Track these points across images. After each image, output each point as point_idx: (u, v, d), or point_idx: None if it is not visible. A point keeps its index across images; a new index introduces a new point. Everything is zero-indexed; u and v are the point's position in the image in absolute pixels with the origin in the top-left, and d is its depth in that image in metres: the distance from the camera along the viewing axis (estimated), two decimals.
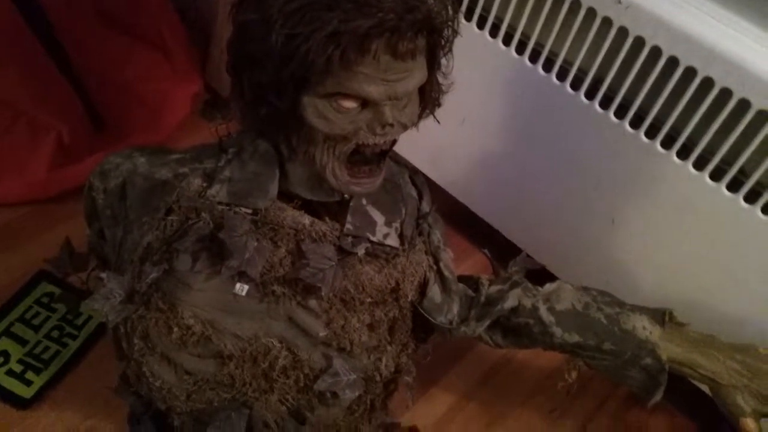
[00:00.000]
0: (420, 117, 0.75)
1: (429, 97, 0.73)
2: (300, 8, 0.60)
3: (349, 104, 0.66)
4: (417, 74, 0.67)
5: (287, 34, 0.61)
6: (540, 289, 0.93)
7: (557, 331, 0.90)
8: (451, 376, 1.18)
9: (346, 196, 0.78)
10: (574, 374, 0.94)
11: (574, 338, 0.90)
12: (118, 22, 1.56)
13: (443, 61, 0.72)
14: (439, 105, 0.77)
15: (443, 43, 0.68)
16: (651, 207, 1.07)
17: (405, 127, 0.71)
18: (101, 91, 1.41)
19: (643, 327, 0.88)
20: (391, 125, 0.67)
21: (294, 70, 0.63)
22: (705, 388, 0.89)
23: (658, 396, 0.88)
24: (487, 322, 0.91)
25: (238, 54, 0.69)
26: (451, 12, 0.67)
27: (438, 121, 0.78)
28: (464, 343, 1.18)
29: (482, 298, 0.91)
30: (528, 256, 0.98)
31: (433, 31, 0.65)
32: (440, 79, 0.74)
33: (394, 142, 0.72)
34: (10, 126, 1.30)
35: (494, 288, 0.93)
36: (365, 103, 0.66)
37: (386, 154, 0.73)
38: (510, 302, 0.90)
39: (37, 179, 1.24)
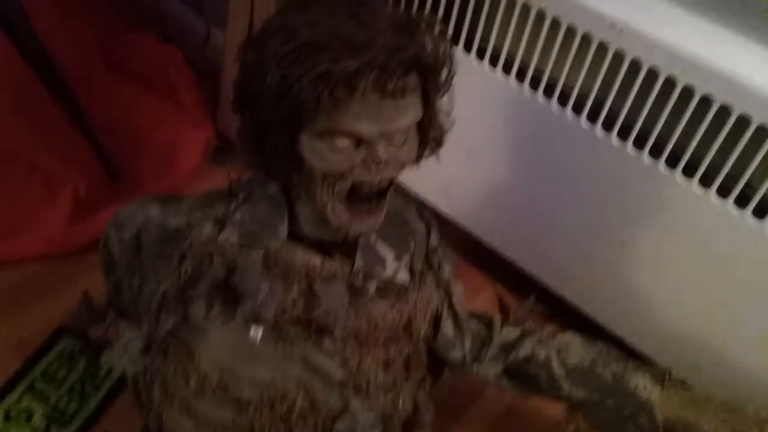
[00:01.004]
0: (421, 155, 0.76)
1: (429, 136, 0.74)
2: (294, 49, 0.63)
3: (343, 142, 0.66)
4: (410, 112, 0.67)
5: (282, 74, 0.63)
6: (552, 339, 0.93)
7: (565, 385, 0.90)
8: (464, 421, 1.18)
9: (350, 234, 0.78)
10: (571, 428, 0.94)
11: (580, 393, 0.90)
12: (128, 72, 1.60)
13: (442, 99, 0.73)
14: (440, 144, 0.78)
15: (438, 81, 0.69)
16: (660, 227, 1.06)
17: (403, 165, 0.71)
18: (114, 141, 1.44)
19: (644, 387, 0.88)
20: (386, 163, 0.68)
21: (288, 109, 0.65)
22: None
23: None
24: (500, 367, 0.92)
25: (240, 94, 0.71)
26: (444, 51, 0.68)
27: (438, 159, 0.78)
28: (477, 387, 1.17)
29: (495, 339, 0.92)
30: (539, 292, 0.98)
31: (425, 70, 0.66)
32: (441, 118, 0.75)
33: (392, 180, 0.72)
34: (26, 181, 1.32)
35: (508, 330, 0.93)
36: (359, 141, 0.67)
37: (386, 192, 0.73)
38: (524, 351, 0.91)
39: (54, 234, 1.26)
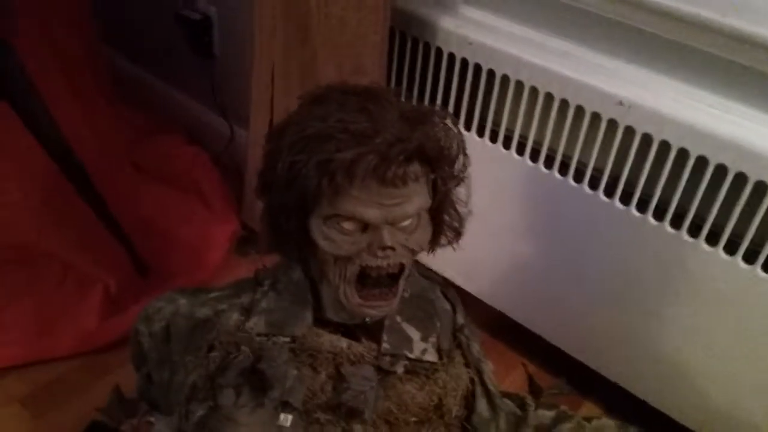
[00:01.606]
0: (436, 243, 0.78)
1: (443, 224, 0.76)
2: (302, 139, 0.68)
3: (349, 226, 0.70)
4: (415, 200, 0.70)
5: (290, 161, 0.69)
6: (587, 425, 0.93)
7: None
8: None
9: (367, 319, 0.78)
10: None
11: None
12: (155, 172, 1.66)
13: (457, 189, 0.76)
14: (460, 234, 0.80)
15: (447, 171, 0.71)
16: (687, 295, 1.05)
17: (413, 252, 0.73)
18: (143, 239, 1.48)
19: None
20: (392, 248, 0.70)
21: (296, 194, 0.70)
22: None
23: None
24: None
25: (260, 180, 0.76)
26: (452, 142, 0.71)
27: (454, 249, 0.81)
28: None
29: (530, 420, 0.91)
30: (571, 366, 0.97)
31: (430, 160, 0.69)
32: (457, 207, 0.78)
33: (402, 266, 0.73)
34: (61, 281, 1.36)
35: (542, 413, 0.93)
36: (366, 226, 0.70)
37: (398, 277, 0.74)
38: None
39: (87, 331, 1.28)
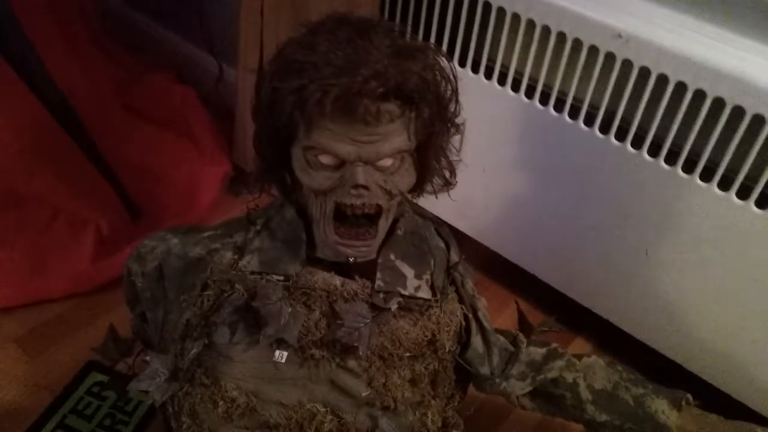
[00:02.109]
0: (421, 189, 0.77)
1: (429, 171, 0.74)
2: (285, 66, 0.67)
3: (326, 160, 0.69)
4: (393, 140, 0.68)
5: (271, 87, 0.69)
6: (578, 363, 0.94)
7: (589, 408, 0.91)
8: None
9: (351, 259, 0.77)
10: None
11: (603, 417, 0.91)
12: (144, 113, 1.64)
13: (445, 138, 0.74)
14: (450, 183, 0.79)
15: (431, 114, 0.69)
16: (682, 233, 1.06)
17: (392, 195, 0.72)
18: (134, 180, 1.47)
19: (662, 411, 0.89)
20: (365, 188, 0.69)
21: (275, 122, 0.70)
22: None
23: None
24: (529, 388, 0.92)
25: (252, 110, 0.76)
26: (438, 85, 0.69)
27: (436, 196, 0.80)
28: (505, 405, 1.16)
29: (522, 356, 0.92)
30: (565, 304, 0.98)
31: (410, 100, 0.67)
32: (446, 155, 0.76)
33: (380, 207, 0.72)
34: (50, 223, 1.36)
35: (534, 350, 0.94)
36: (343, 162, 0.69)
37: (375, 218, 0.73)
38: (553, 373, 0.92)
39: (80, 272, 1.28)
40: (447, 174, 0.79)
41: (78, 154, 1.40)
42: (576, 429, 1.04)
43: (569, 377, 0.92)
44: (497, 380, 0.91)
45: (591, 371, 0.93)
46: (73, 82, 1.44)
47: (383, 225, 0.75)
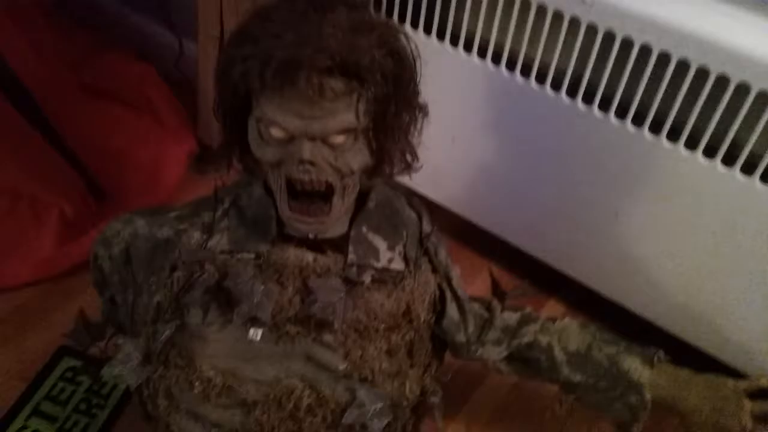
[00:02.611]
0: (377, 172, 0.75)
1: (381, 152, 0.73)
2: (237, 38, 0.67)
3: (276, 133, 0.68)
4: (339, 117, 0.67)
5: (224, 57, 0.68)
6: (552, 326, 0.96)
7: (564, 370, 0.94)
8: (471, 405, 1.19)
9: (310, 235, 0.78)
10: (564, 409, 0.99)
11: (578, 377, 0.93)
12: (103, 92, 1.60)
13: (403, 119, 0.72)
14: (409, 166, 0.78)
15: (380, 92, 0.67)
16: (650, 194, 1.07)
17: (341, 174, 0.71)
18: (97, 162, 1.44)
19: (635, 368, 0.91)
20: (311, 163, 0.68)
21: (226, 92, 0.70)
22: None
23: (636, 430, 0.92)
24: (505, 353, 0.95)
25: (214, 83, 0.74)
26: (391, 64, 0.67)
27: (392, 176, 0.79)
28: (480, 370, 1.18)
29: (496, 322, 0.94)
30: (537, 268, 0.99)
31: (357, 78, 0.65)
32: (403, 137, 0.74)
33: (331, 185, 0.71)
34: (11, 209, 1.32)
35: (508, 315, 0.96)
36: (292, 136, 0.68)
37: (328, 196, 0.72)
38: (528, 338, 0.94)
39: (44, 258, 1.26)
40: (408, 157, 0.77)
41: (37, 137, 1.36)
42: (549, 391, 1.06)
43: (543, 340, 0.94)
44: (473, 347, 0.92)
45: (565, 333, 0.95)
46: (26, 61, 1.40)
47: (338, 203, 0.73)
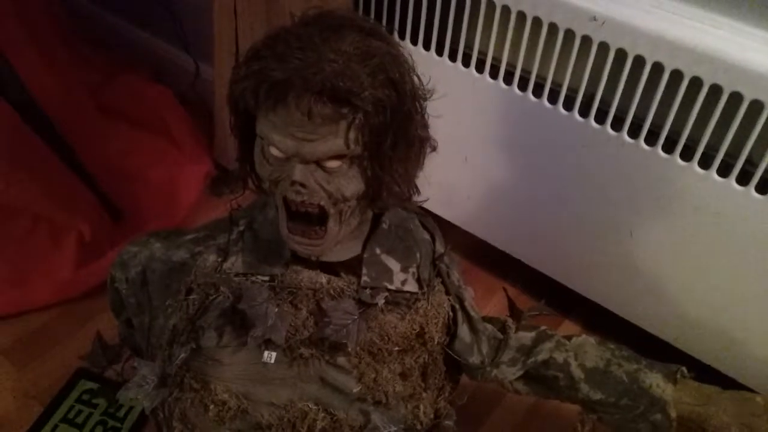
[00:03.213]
0: (375, 201, 0.74)
1: (376, 181, 0.72)
2: (247, 56, 0.68)
3: (275, 152, 0.69)
4: (330, 141, 0.66)
5: (233, 74, 0.69)
6: (568, 343, 0.94)
7: (583, 387, 0.91)
8: (488, 427, 1.18)
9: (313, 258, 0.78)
10: (587, 428, 0.95)
11: (598, 395, 0.91)
12: (119, 114, 1.62)
13: (401, 151, 0.71)
14: (402, 198, 0.76)
15: (374, 121, 0.67)
16: (665, 212, 1.06)
17: (334, 199, 0.70)
18: (114, 183, 1.46)
19: (657, 385, 0.89)
20: (302, 185, 0.68)
21: (232, 107, 0.71)
22: None
23: None
24: (520, 372, 0.92)
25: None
26: (386, 96, 0.66)
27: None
28: (496, 391, 1.17)
29: (511, 342, 0.92)
30: (551, 288, 0.98)
31: (349, 105, 0.65)
32: (400, 170, 0.73)
33: (323, 209, 0.71)
34: (30, 230, 1.34)
35: (523, 335, 0.93)
36: (288, 157, 0.69)
37: (324, 220, 0.72)
38: (543, 355, 0.91)
39: (63, 280, 1.27)
40: (407, 189, 0.76)
41: (54, 159, 1.38)
42: (568, 411, 1.05)
43: (560, 357, 0.92)
44: (488, 368, 0.91)
45: (582, 350, 0.93)
46: (43, 84, 1.42)
47: (333, 227, 0.73)
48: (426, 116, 0.75)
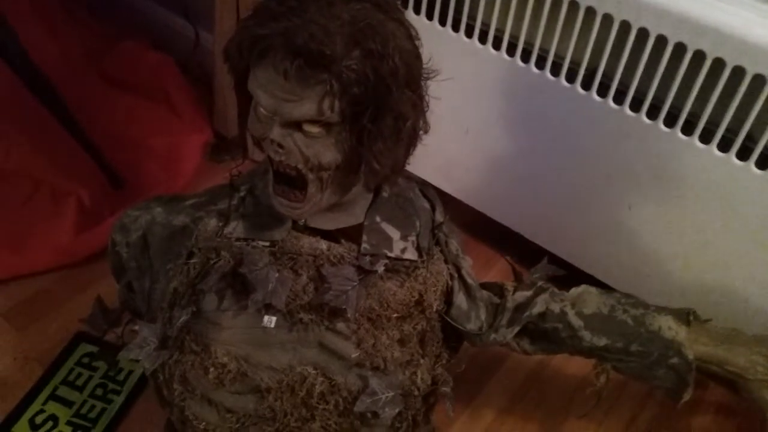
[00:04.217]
0: (355, 174, 0.73)
1: (352, 155, 0.70)
2: (251, 12, 0.68)
3: (261, 109, 0.69)
4: (307, 106, 0.66)
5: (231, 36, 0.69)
6: (566, 293, 0.93)
7: (586, 335, 0.91)
8: (487, 391, 1.19)
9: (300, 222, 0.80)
10: (603, 378, 0.93)
11: (602, 341, 0.90)
12: (121, 82, 1.62)
13: (382, 128, 0.69)
14: (383, 178, 0.75)
15: (358, 97, 0.66)
16: (664, 186, 1.06)
17: (309, 162, 0.70)
18: (115, 150, 1.45)
19: (669, 327, 0.88)
20: (280, 145, 0.68)
21: (226, 62, 0.72)
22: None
23: (687, 395, 0.88)
24: (516, 329, 0.92)
25: None
26: (371, 69, 0.65)
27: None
28: (496, 356, 1.18)
29: (508, 304, 0.92)
30: (549, 262, 0.98)
31: (327, 71, 0.64)
32: (384, 148, 0.71)
33: (299, 171, 0.71)
34: (31, 195, 1.34)
35: (520, 294, 0.93)
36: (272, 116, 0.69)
37: (302, 185, 0.72)
38: (538, 308, 0.91)
39: (63, 245, 1.27)
40: (387, 169, 0.73)
41: (55, 125, 1.38)
42: (568, 374, 1.05)
43: (556, 308, 0.92)
44: (486, 334, 0.91)
45: (581, 299, 0.92)
46: (46, 51, 1.41)
47: (314, 194, 0.73)
48: (425, 98, 0.74)
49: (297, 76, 0.64)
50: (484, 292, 0.92)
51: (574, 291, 0.93)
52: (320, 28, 0.63)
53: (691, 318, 0.87)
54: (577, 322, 0.91)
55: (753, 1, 0.91)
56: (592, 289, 0.93)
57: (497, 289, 0.94)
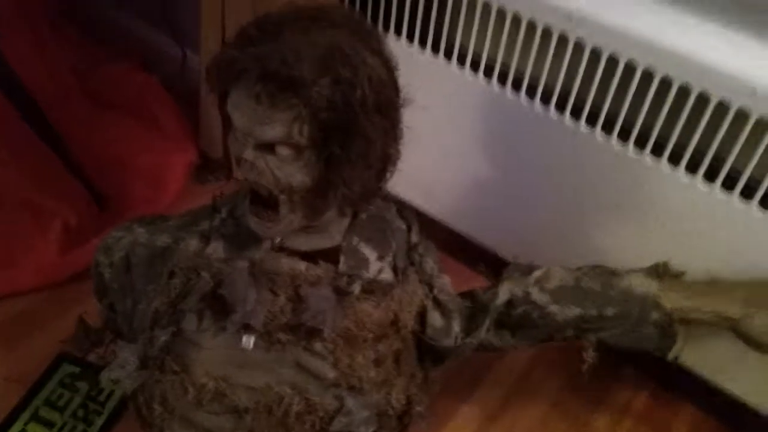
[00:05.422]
0: (321, 198, 0.75)
1: (321, 179, 0.72)
2: (234, 37, 0.71)
3: (237, 131, 0.72)
4: (276, 128, 0.68)
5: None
6: (529, 277, 0.94)
7: (555, 309, 0.91)
8: (470, 403, 1.19)
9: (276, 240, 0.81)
10: (591, 352, 0.91)
11: (575, 311, 0.90)
12: (106, 102, 1.62)
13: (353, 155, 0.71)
14: (355, 202, 0.78)
15: (327, 123, 0.68)
16: (639, 213, 1.08)
17: (279, 184, 0.72)
18: (100, 170, 1.46)
19: (640, 283, 0.86)
20: (251, 164, 0.71)
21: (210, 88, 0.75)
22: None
23: (677, 349, 0.86)
24: (487, 324, 0.92)
25: None
26: (340, 98, 0.67)
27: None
28: (481, 367, 1.19)
29: (478, 306, 0.94)
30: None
31: (296, 96, 0.66)
32: (354, 176, 0.73)
33: (270, 192, 0.73)
34: (15, 216, 1.35)
35: (490, 292, 0.95)
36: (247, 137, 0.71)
37: (274, 205, 0.74)
38: (502, 297, 0.92)
39: (47, 265, 1.28)
40: (356, 196, 0.75)
41: (41, 144, 1.39)
42: (550, 384, 1.04)
43: (519, 292, 0.92)
44: (462, 341, 0.92)
45: (544, 277, 0.93)
46: (32, 69, 1.42)
47: (287, 215, 0.75)
48: (399, 125, 0.76)
49: (268, 100, 0.67)
50: (458, 300, 0.94)
51: (537, 273, 0.93)
52: (293, 53, 0.66)
53: (662, 271, 0.85)
54: (541, 298, 0.91)
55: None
56: (557, 267, 0.92)
57: (468, 296, 0.96)
